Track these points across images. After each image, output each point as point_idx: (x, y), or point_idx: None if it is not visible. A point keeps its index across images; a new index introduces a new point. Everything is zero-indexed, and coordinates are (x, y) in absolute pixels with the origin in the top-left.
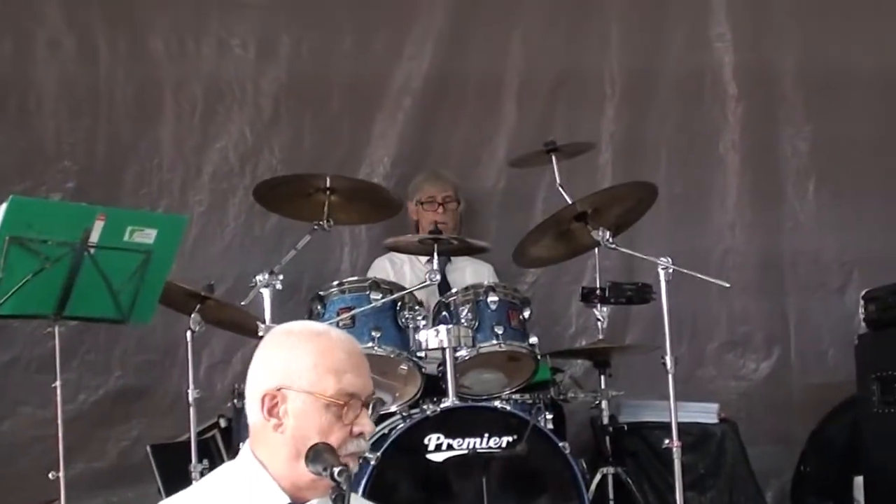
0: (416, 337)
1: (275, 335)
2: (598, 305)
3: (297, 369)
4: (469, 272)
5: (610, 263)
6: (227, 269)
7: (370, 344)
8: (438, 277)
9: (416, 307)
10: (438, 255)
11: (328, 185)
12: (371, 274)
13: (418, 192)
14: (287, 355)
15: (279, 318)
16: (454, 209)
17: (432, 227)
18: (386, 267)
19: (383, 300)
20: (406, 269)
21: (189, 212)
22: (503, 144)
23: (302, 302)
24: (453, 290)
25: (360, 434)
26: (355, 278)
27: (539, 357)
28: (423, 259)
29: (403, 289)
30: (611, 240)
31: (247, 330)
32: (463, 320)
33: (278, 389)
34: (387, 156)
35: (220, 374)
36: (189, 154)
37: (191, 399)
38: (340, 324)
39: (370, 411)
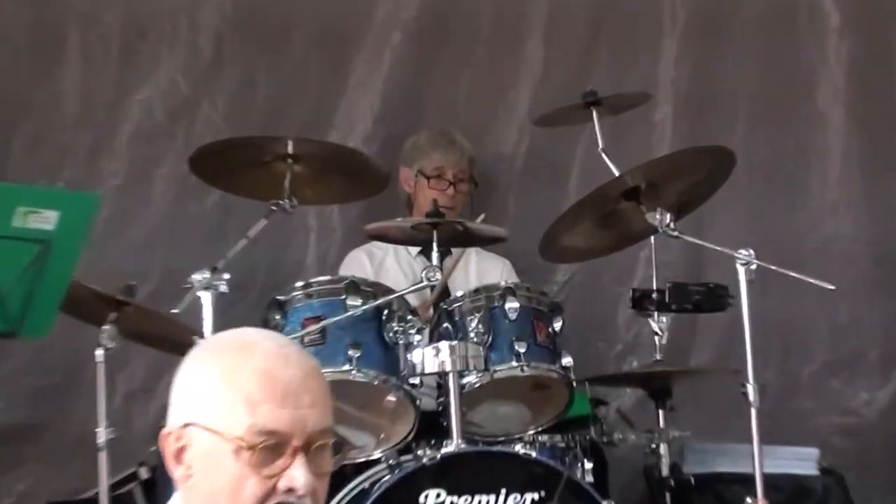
0: (409, 357)
1: (193, 351)
2: (655, 314)
3: (203, 398)
4: (479, 269)
5: (671, 257)
6: (153, 264)
7: (346, 367)
8: (439, 276)
9: (409, 317)
10: (438, 245)
11: (289, 150)
12: (345, 271)
13: (422, 159)
14: (195, 379)
15: (224, 330)
16: (465, 192)
17: (431, 207)
18: (363, 261)
19: (364, 307)
20: (389, 265)
21: (101, 187)
22: (526, 97)
23: (254, 308)
24: (458, 294)
25: (290, 490)
26: (326, 278)
27: (575, 384)
28: (414, 251)
29: (391, 291)
30: (672, 225)
31: (178, 347)
32: (472, 335)
33: (185, 427)
34: (368, 112)
35: (142, 407)
36: (101, 109)
37: (101, 440)
38: (306, 339)
39: (333, 456)
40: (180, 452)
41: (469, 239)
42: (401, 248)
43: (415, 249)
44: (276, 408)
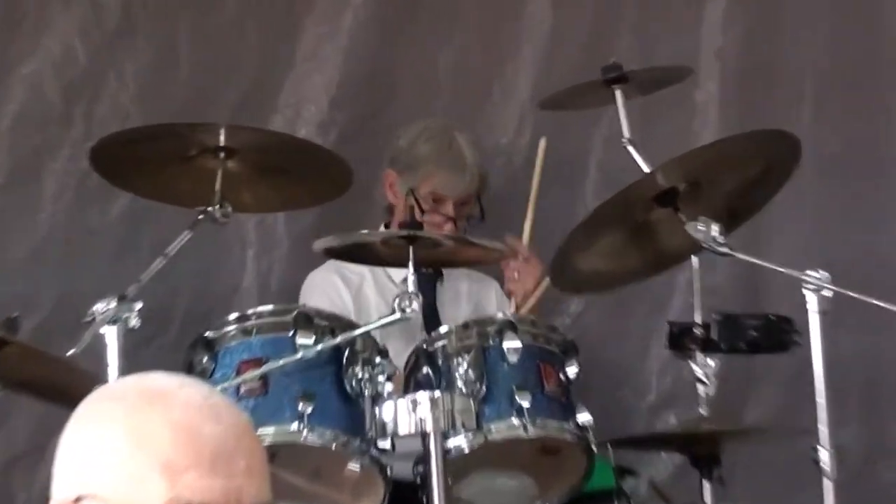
0: (377, 413)
1: (86, 405)
2: (699, 356)
3: (104, 466)
4: (469, 297)
5: (718, 281)
6: (42, 289)
7: (294, 425)
8: (416, 307)
9: (377, 360)
10: (419, 266)
11: (221, 142)
12: (309, 299)
13: (418, 175)
14: (92, 441)
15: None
16: (466, 212)
17: (408, 213)
18: (336, 286)
19: (319, 347)
20: (369, 292)
21: None
22: (529, 71)
23: (174, 349)
24: (442, 330)
25: None
26: (269, 308)
27: (595, 448)
28: (400, 274)
29: (353, 326)
30: (720, 239)
31: (74, 399)
32: (460, 383)
33: (76, 502)
34: (323, 92)
35: (25, 475)
36: None
37: None
38: (242, 388)
39: None
40: None
41: (455, 258)
42: (379, 270)
43: (398, 272)
44: (203, 476)
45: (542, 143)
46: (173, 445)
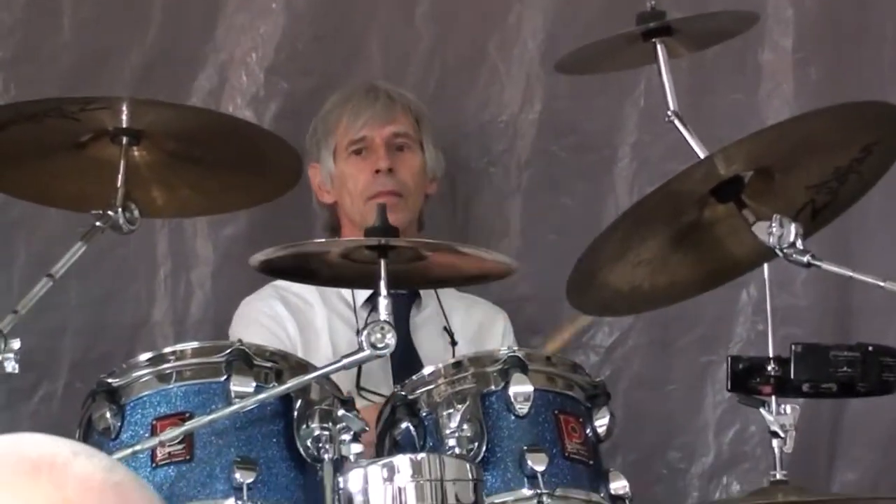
0: (341, 484)
1: None
2: (772, 401)
3: None
4: (466, 323)
5: (798, 301)
6: None
7: (230, 501)
8: (392, 341)
9: (340, 413)
10: (392, 286)
11: (123, 122)
12: (240, 332)
13: (329, 136)
14: None
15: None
16: (416, 165)
17: (374, 210)
18: (278, 315)
19: (261, 397)
20: (320, 324)
21: None
22: (537, 22)
23: (63, 401)
24: (427, 371)
25: None
26: (194, 345)
27: None
28: (361, 296)
29: (307, 368)
30: (800, 244)
31: None
32: (452, 442)
33: None
34: (256, 50)
35: None
36: None
37: None
38: (159, 454)
39: None
40: None
41: (441, 275)
42: (331, 293)
43: (358, 295)
44: None
45: (584, 321)
46: None
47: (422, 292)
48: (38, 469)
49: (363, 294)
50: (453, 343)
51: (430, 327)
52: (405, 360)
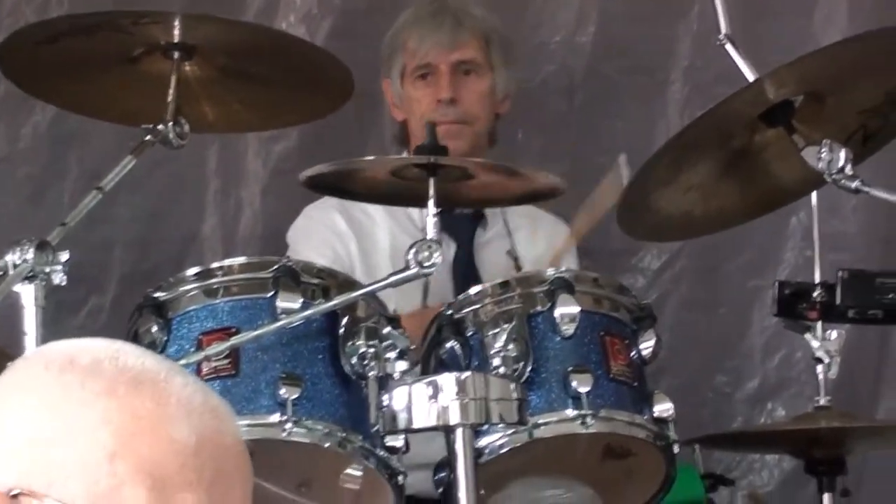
0: (386, 401)
1: (20, 370)
2: (818, 326)
3: (61, 458)
4: (530, 244)
5: (846, 228)
6: None
7: (275, 416)
8: (438, 259)
9: (386, 331)
10: (442, 204)
11: (175, 37)
12: (295, 244)
13: (398, 54)
14: (45, 423)
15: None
16: (482, 90)
17: (428, 130)
18: (338, 228)
19: (307, 313)
20: (381, 236)
21: None
22: None
23: (111, 314)
24: (473, 291)
25: None
26: (241, 260)
27: (677, 449)
28: (427, 214)
29: (353, 285)
30: (850, 170)
31: None
32: (497, 361)
33: (12, 497)
34: None
35: None
36: None
37: None
38: (205, 368)
39: None
40: None
41: (503, 194)
42: (399, 210)
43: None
44: (200, 496)
45: (622, 161)
46: (170, 455)
47: (487, 213)
48: (140, 382)
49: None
50: (518, 269)
51: (494, 248)
52: (467, 279)
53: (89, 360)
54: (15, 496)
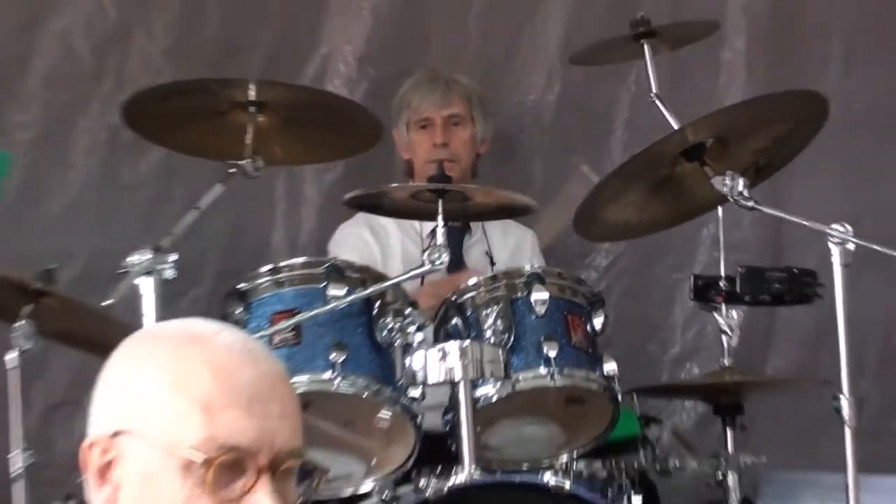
0: (408, 363)
1: (126, 344)
2: (723, 307)
3: (143, 403)
4: (503, 247)
5: (743, 235)
6: (77, 242)
7: (327, 374)
8: (446, 258)
9: (407, 311)
10: (448, 218)
11: (251, 96)
12: (334, 250)
13: (404, 111)
14: (133, 379)
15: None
16: (466, 137)
17: (434, 167)
18: (365, 238)
19: (350, 298)
20: (394, 244)
21: (8, 145)
22: (557, 27)
23: (208, 300)
24: (471, 282)
25: None
26: (302, 260)
27: (620, 397)
28: (428, 227)
29: (383, 278)
30: (746, 193)
31: (110, 348)
32: (488, 333)
33: (114, 436)
34: (350, 45)
35: (65, 424)
36: (3, 43)
37: (16, 468)
38: (276, 338)
39: (297, 481)
40: (106, 469)
41: (486, 209)
42: (406, 223)
43: (426, 225)
44: (241, 417)
45: (586, 169)
46: (213, 386)
47: (472, 225)
48: (195, 339)
49: (428, 226)
50: (492, 264)
51: (476, 251)
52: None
53: (162, 333)
54: (115, 435)
